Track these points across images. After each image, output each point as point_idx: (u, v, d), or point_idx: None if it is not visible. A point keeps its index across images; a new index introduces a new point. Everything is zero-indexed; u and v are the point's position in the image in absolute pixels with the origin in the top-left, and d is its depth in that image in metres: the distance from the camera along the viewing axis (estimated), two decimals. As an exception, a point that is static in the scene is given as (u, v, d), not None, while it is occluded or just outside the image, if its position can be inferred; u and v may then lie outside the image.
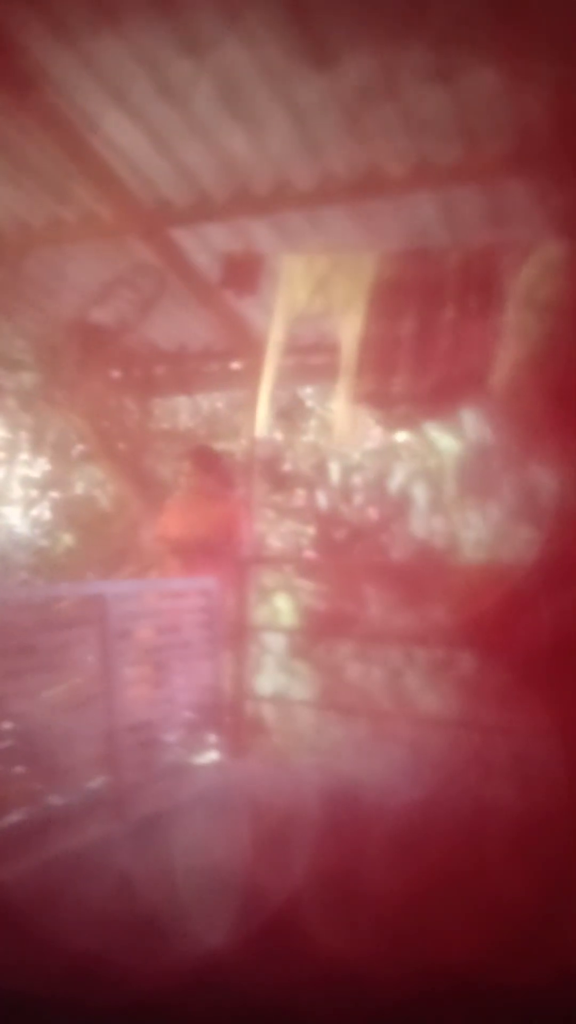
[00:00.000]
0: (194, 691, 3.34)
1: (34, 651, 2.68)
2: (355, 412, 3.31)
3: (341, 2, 2.39)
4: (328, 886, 1.99)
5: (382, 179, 3.15)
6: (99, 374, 4.57)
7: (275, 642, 4.64)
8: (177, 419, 6.35)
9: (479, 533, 4.57)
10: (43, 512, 6.59)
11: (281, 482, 5.89)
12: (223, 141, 3.12)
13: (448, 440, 4.93)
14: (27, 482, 6.58)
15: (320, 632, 4.91)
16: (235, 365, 4.56)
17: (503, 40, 2.30)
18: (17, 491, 6.58)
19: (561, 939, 1.71)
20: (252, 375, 3.61)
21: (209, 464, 4.10)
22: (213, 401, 6.29)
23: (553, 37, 2.22)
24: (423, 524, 5.08)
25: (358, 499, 5.62)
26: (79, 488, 6.53)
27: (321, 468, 5.84)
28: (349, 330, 3.29)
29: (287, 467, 6.04)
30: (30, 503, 6.57)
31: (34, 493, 6.63)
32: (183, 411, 6.36)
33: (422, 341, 3.13)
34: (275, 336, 3.43)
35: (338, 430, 3.40)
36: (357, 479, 5.66)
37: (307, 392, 6.02)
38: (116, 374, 4.76)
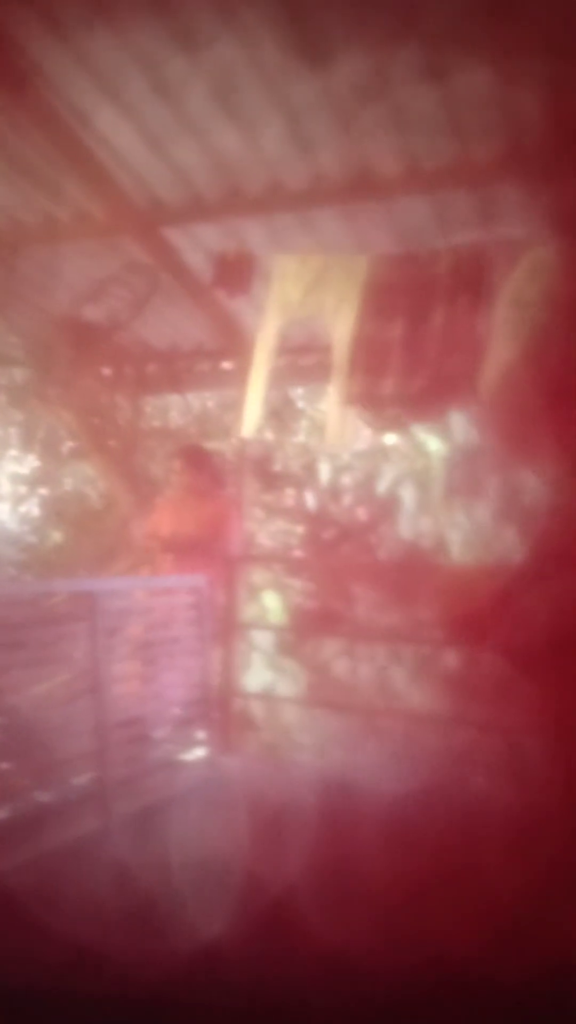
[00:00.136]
0: (183, 688, 3.36)
1: (23, 647, 2.69)
2: (346, 413, 3.34)
3: (336, 1, 2.41)
4: (317, 881, 2.01)
5: (374, 180, 3.17)
6: (91, 371, 4.58)
7: (264, 639, 4.67)
8: (168, 417, 6.36)
9: (466, 534, 4.61)
10: (32, 509, 6.58)
11: (271, 481, 5.92)
12: (216, 140, 3.13)
13: (437, 442, 4.97)
14: (16, 478, 6.57)
15: (308, 630, 4.94)
16: (226, 365, 4.58)
17: (496, 40, 2.32)
18: (6, 487, 6.56)
19: (556, 933, 1.73)
20: (243, 375, 3.63)
21: (200, 463, 4.11)
22: (204, 400, 6.31)
23: (546, 39, 2.23)
24: (411, 525, 5.12)
25: (347, 499, 5.65)
26: (69, 485, 6.53)
27: (311, 468, 5.87)
28: (340, 331, 3.31)
29: (277, 467, 6.06)
30: (19, 499, 6.55)
31: (23, 489, 6.62)
32: (174, 409, 6.37)
33: (413, 343, 3.16)
34: (266, 336, 3.45)
35: (329, 431, 3.42)
36: (346, 479, 5.69)
37: (298, 392, 6.05)
38: (108, 372, 4.77)
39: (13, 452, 6.49)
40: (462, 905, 1.79)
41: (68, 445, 6.23)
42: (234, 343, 4.24)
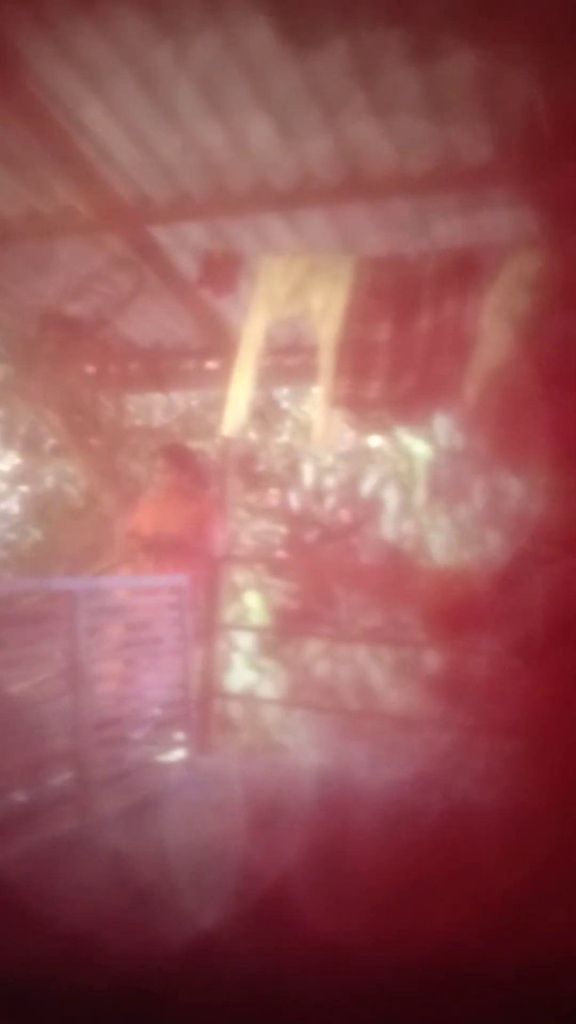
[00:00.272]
0: (163, 688, 3.34)
1: (1, 645, 2.66)
2: (331, 415, 3.34)
3: None
4: (297, 881, 2.01)
5: (363, 181, 3.18)
6: (74, 368, 4.54)
7: (245, 640, 4.66)
8: (151, 416, 6.33)
9: (448, 537, 4.64)
10: (12, 506, 6.52)
11: (254, 482, 5.91)
12: (203, 137, 3.12)
13: (421, 445, 5.00)
14: (-3, 475, 6.51)
15: (290, 630, 4.94)
16: (211, 364, 4.57)
17: (487, 37, 2.32)
18: (-14, 484, 6.50)
19: (552, 927, 1.74)
20: (228, 374, 3.61)
21: (183, 462, 4.10)
22: (188, 399, 6.28)
23: (538, 36, 2.23)
24: (394, 527, 5.14)
25: (330, 501, 5.66)
26: (50, 483, 6.48)
27: (294, 469, 5.87)
28: (327, 333, 3.31)
29: (261, 467, 6.06)
30: (-1, 497, 6.49)
31: (3, 487, 6.55)
32: (158, 408, 6.34)
33: (399, 345, 3.17)
34: (251, 336, 3.44)
35: (314, 432, 3.42)
36: (330, 481, 5.70)
37: (282, 393, 6.05)
38: (91, 369, 4.73)
39: (-6, 449, 6.43)
40: (452, 902, 1.79)
41: (50, 442, 6.18)
42: (219, 342, 4.22)
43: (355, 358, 3.25)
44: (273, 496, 5.94)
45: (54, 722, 2.70)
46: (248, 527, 5.72)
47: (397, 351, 3.18)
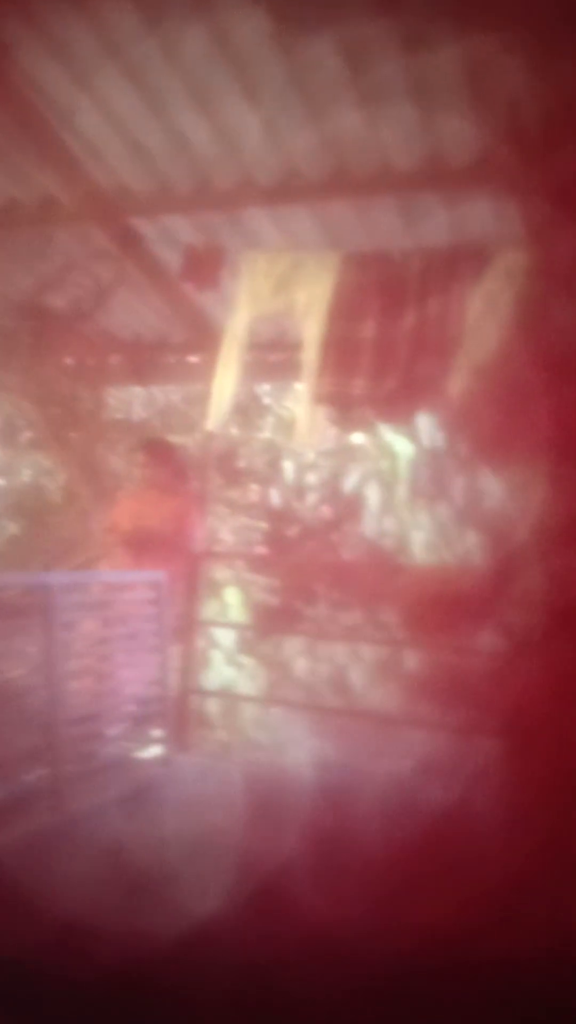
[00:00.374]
0: (139, 684, 3.31)
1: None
2: (314, 412, 3.32)
3: None
4: (274, 876, 2.01)
5: (348, 178, 3.17)
6: (52, 360, 4.48)
7: (224, 636, 4.64)
8: (131, 410, 6.27)
9: (429, 535, 4.65)
10: (-12, 499, 6.43)
11: (235, 477, 5.89)
12: (187, 130, 3.09)
13: (403, 443, 5.01)
14: (-28, 468, 6.41)
15: (269, 627, 4.93)
16: (192, 358, 4.53)
17: (474, 35, 2.31)
18: (-38, 477, 6.40)
19: (547, 915, 1.73)
20: (209, 369, 3.58)
21: (163, 457, 4.06)
22: (168, 394, 6.24)
23: (525, 33, 2.23)
24: (375, 524, 5.14)
25: (311, 497, 5.65)
26: (27, 476, 6.39)
27: (276, 465, 5.86)
28: (310, 330, 3.30)
29: (242, 463, 6.03)
30: (-25, 490, 6.40)
31: (-21, 480, 6.46)
32: (137, 402, 6.28)
33: (383, 343, 3.16)
34: (234, 331, 3.42)
35: (297, 429, 3.41)
36: (311, 478, 5.69)
37: (264, 389, 6.02)
38: (69, 361, 4.68)
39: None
40: (441, 897, 1.78)
41: (27, 435, 6.10)
42: (201, 337, 4.19)
43: (338, 355, 3.24)
44: (254, 492, 5.92)
45: (27, 718, 2.66)
46: (228, 523, 5.69)
47: (381, 349, 3.18)
